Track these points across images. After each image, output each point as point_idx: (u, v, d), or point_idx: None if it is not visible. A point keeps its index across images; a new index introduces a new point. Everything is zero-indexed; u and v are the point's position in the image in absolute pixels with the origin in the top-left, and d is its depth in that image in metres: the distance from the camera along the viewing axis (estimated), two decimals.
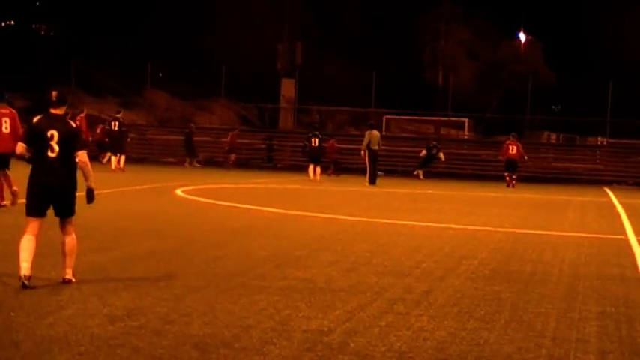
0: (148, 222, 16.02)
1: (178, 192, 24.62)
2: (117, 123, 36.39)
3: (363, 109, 59.17)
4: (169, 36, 66.35)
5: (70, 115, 41.91)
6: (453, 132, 61.80)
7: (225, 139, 48.80)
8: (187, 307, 8.38)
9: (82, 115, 35.72)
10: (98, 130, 41.19)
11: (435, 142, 45.81)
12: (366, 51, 65.24)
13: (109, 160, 36.49)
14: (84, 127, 36.08)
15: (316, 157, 36.55)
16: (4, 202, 17.65)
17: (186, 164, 45.19)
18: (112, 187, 24.99)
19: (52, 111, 9.63)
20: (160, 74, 66.81)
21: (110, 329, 7.32)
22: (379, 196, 28.05)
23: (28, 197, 9.60)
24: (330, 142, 44.78)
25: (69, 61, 58.63)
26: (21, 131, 18.14)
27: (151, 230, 14.64)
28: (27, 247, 9.23)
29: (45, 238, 12.62)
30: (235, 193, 26.59)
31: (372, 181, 34.13)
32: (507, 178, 37.86)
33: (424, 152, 43.49)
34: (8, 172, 17.86)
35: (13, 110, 18.20)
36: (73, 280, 9.31)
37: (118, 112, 38.16)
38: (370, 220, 18.61)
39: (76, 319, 7.61)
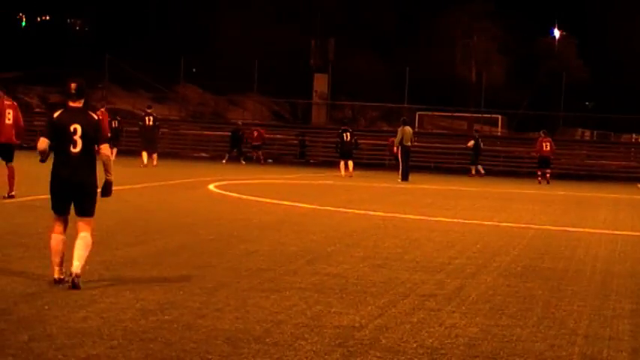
0: (180, 217, 16.07)
1: (211, 187, 24.68)
2: (151, 118, 35.63)
3: (396, 104, 59.02)
4: (202, 31, 66.50)
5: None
6: (487, 128, 61.55)
7: (250, 134, 48.82)
8: (219, 301, 8.39)
9: (103, 109, 35.13)
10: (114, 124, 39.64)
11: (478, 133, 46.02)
12: (398, 46, 65.10)
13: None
14: (105, 122, 35.98)
15: (347, 152, 36.28)
16: (13, 192, 17.77)
17: (239, 159, 44.99)
18: (145, 181, 25.11)
19: (72, 104, 9.23)
20: (194, 69, 66.91)
21: (142, 323, 7.34)
22: (411, 192, 27.99)
23: (51, 194, 9.39)
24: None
25: (102, 55, 58.87)
26: (22, 123, 18.37)
27: (184, 225, 14.68)
28: (57, 250, 9.03)
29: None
30: (267, 188, 26.63)
31: (405, 177, 34.04)
32: (539, 175, 37.71)
33: (472, 142, 42.98)
34: (13, 166, 17.99)
35: (14, 102, 18.45)
36: (78, 278, 8.64)
37: (149, 107, 37.24)
38: (402, 216, 18.57)
39: (109, 312, 7.65)
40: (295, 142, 52.23)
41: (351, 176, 34.61)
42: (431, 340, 7.34)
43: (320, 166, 44.21)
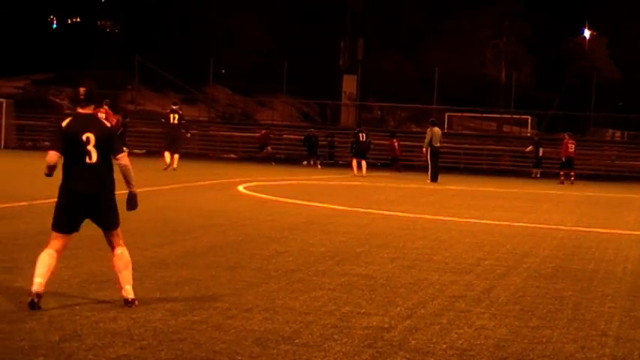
0: (209, 217, 16.11)
1: (240, 188, 24.73)
2: (176, 116, 32.90)
3: (425, 105, 58.88)
4: (231, 32, 66.61)
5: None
6: (516, 129, 61.33)
7: (257, 135, 48.96)
8: (248, 302, 8.41)
9: (106, 106, 33.45)
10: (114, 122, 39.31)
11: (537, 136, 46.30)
12: (427, 47, 64.97)
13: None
14: (111, 119, 35.34)
15: (362, 152, 37.41)
16: None
17: (316, 164, 44.99)
18: (174, 182, 25.19)
19: (81, 110, 8.34)
20: (223, 70, 67.08)
21: (172, 324, 7.37)
22: (440, 193, 27.93)
23: (58, 210, 8.50)
24: (393, 140, 45.22)
25: (132, 57, 59.10)
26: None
27: (213, 225, 14.72)
28: (45, 262, 8.05)
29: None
30: (296, 189, 26.64)
31: (434, 179, 33.99)
32: (562, 175, 37.68)
33: (531, 147, 43.29)
34: None
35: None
36: (135, 301, 8.00)
37: (175, 104, 34.17)
38: (431, 217, 18.54)
39: (139, 313, 7.68)
40: (324, 143, 52.15)
41: (363, 176, 34.97)
42: (460, 342, 7.32)
43: (349, 167, 44.15)
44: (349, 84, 61.58)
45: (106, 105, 34.33)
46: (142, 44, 64.31)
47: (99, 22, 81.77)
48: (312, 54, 62.74)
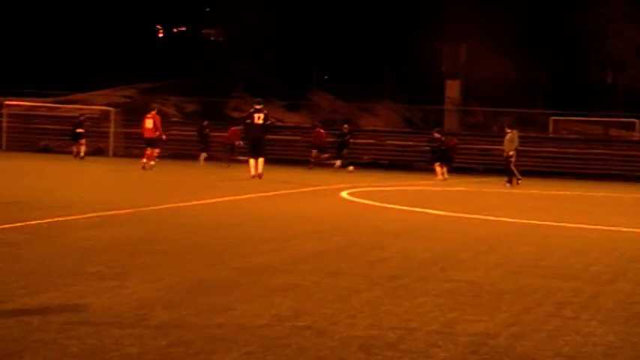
0: (313, 223, 16.18)
1: (343, 194, 24.79)
2: (260, 116, 30.71)
3: (529, 110, 58.29)
4: (334, 38, 66.85)
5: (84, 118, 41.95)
6: (623, 132, 60.29)
7: (310, 137, 48.54)
8: (352, 308, 8.41)
9: (154, 111, 35.52)
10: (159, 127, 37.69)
11: None
12: (531, 51, 64.33)
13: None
14: (158, 125, 36.37)
15: (445, 156, 39.04)
16: None
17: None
18: (279, 189, 25.39)
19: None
20: (325, 77, 67.35)
21: (277, 329, 7.41)
22: (545, 198, 27.61)
23: None
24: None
25: (236, 65, 59.72)
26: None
27: (316, 232, 14.77)
28: None
29: (205, 238, 12.92)
30: (399, 195, 26.60)
31: (510, 181, 34.39)
32: None
33: None
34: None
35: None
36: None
37: (258, 104, 31.79)
38: (537, 222, 18.33)
39: (244, 319, 7.74)
40: (427, 148, 52.01)
41: (445, 180, 35.68)
42: (567, 349, 7.22)
43: (451, 173, 43.91)
44: (452, 89, 61.37)
45: (154, 111, 35.70)
46: (245, 52, 64.96)
47: (204, 31, 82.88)
48: (415, 59, 62.61)
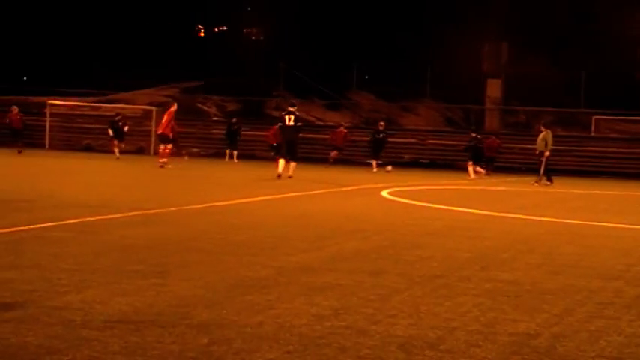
0: (353, 222, 16.18)
1: (383, 193, 24.77)
2: (292, 117, 30.26)
3: (571, 109, 57.90)
4: (375, 37, 66.79)
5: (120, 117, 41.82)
6: None
7: (329, 136, 47.93)
8: (393, 307, 8.41)
9: (172, 109, 35.45)
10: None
11: None
12: (573, 49, 63.91)
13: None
14: (165, 122, 36.10)
15: (479, 155, 39.12)
16: None
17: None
18: (317, 188, 25.42)
19: None
20: (366, 76, 67.30)
21: (317, 328, 7.43)
22: (586, 197, 27.45)
23: None
24: (491, 138, 44.99)
25: (277, 64, 59.82)
26: None
27: (357, 231, 14.77)
28: None
29: (245, 237, 12.96)
30: (439, 194, 26.54)
31: (549, 179, 34.28)
32: None
33: None
34: None
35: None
36: None
37: (292, 105, 31.41)
38: (578, 222, 18.23)
39: (285, 318, 7.76)
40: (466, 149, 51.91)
41: (479, 178, 36.09)
42: (609, 349, 7.18)
43: (494, 172, 43.74)
44: (493, 88, 61.10)
45: (172, 108, 35.68)
46: (286, 51, 65.08)
47: (244, 30, 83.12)
48: (456, 58, 62.40)
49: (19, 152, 43.69)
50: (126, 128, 45.48)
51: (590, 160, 50.30)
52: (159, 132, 36.52)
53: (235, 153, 48.29)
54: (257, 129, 51.94)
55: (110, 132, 44.88)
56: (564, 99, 58.31)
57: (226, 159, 47.72)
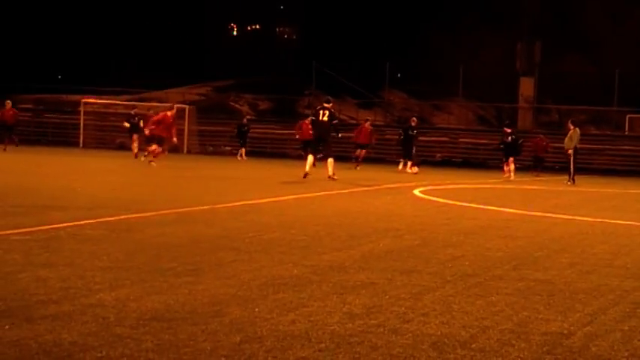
0: (385, 221, 16.17)
1: (416, 192, 24.74)
2: (326, 112, 29.01)
3: (604, 107, 57.56)
4: (407, 36, 66.70)
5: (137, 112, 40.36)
6: None
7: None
8: (425, 306, 8.41)
9: (169, 114, 34.52)
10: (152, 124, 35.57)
11: None
12: (607, 47, 63.52)
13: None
14: (154, 120, 35.16)
15: (514, 152, 38.04)
16: None
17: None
18: (349, 187, 25.42)
19: None
20: (398, 74, 67.21)
21: (349, 327, 7.44)
22: (620, 197, 27.29)
23: None
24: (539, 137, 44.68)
25: (309, 62, 59.85)
26: None
27: (389, 230, 14.76)
28: None
29: (278, 235, 12.98)
30: (472, 193, 26.47)
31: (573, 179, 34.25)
32: None
33: None
34: None
35: None
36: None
37: (327, 102, 30.10)
38: (611, 221, 18.12)
39: (317, 316, 7.78)
40: (501, 146, 51.64)
41: (510, 179, 35.30)
42: None
43: (525, 171, 43.56)
44: (526, 86, 60.84)
45: (173, 110, 35.20)
46: (318, 50, 65.11)
47: (277, 29, 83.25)
48: (489, 57, 62.20)
49: (4, 150, 42.89)
50: (141, 123, 42.62)
51: (624, 158, 50.00)
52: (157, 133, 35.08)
53: (243, 151, 48.39)
54: (289, 127, 52.00)
55: (126, 124, 43.99)
56: (598, 97, 57.96)
57: (238, 157, 47.71)
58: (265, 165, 41.41)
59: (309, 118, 35.76)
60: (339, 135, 31.09)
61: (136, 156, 40.25)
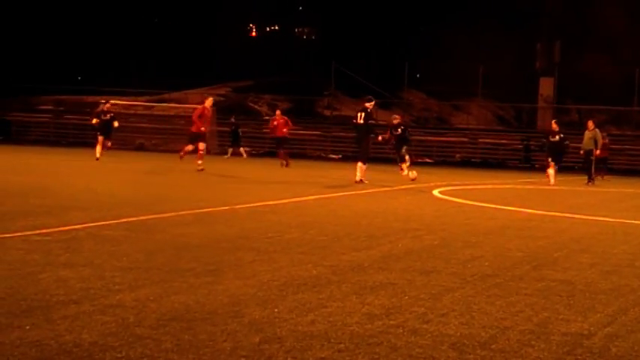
0: (405, 222, 16.15)
1: (435, 192, 24.70)
2: (362, 114, 27.51)
3: (625, 107, 57.31)
4: (426, 36, 66.63)
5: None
6: None
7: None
8: (444, 306, 8.40)
9: (206, 104, 32.16)
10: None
11: None
12: (627, 47, 63.26)
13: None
14: (194, 118, 32.95)
15: (556, 154, 33.12)
16: None
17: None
18: (370, 187, 25.40)
19: None
20: (417, 75, 67.13)
21: (369, 327, 7.44)
22: (637, 197, 27.20)
23: None
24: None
25: (329, 63, 59.83)
26: None
27: (409, 230, 14.75)
28: None
29: (297, 235, 12.98)
30: (491, 193, 26.42)
31: (591, 180, 33.81)
32: None
33: None
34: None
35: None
36: None
37: (369, 101, 28.33)
38: (632, 221, 18.05)
39: (336, 316, 7.78)
40: (520, 146, 51.56)
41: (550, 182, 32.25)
42: None
43: (543, 172, 43.37)
44: (546, 86, 60.64)
45: (207, 104, 32.84)
46: (337, 50, 65.11)
47: (296, 30, 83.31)
48: (509, 57, 62.05)
49: None
50: (115, 123, 38.42)
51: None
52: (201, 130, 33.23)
53: (243, 149, 48.41)
54: (308, 128, 52.01)
55: (95, 121, 38.18)
56: (619, 97, 57.72)
57: (227, 156, 47.64)
58: (278, 165, 41.42)
59: (277, 112, 37.87)
60: (379, 138, 30.12)
61: (97, 159, 35.74)
